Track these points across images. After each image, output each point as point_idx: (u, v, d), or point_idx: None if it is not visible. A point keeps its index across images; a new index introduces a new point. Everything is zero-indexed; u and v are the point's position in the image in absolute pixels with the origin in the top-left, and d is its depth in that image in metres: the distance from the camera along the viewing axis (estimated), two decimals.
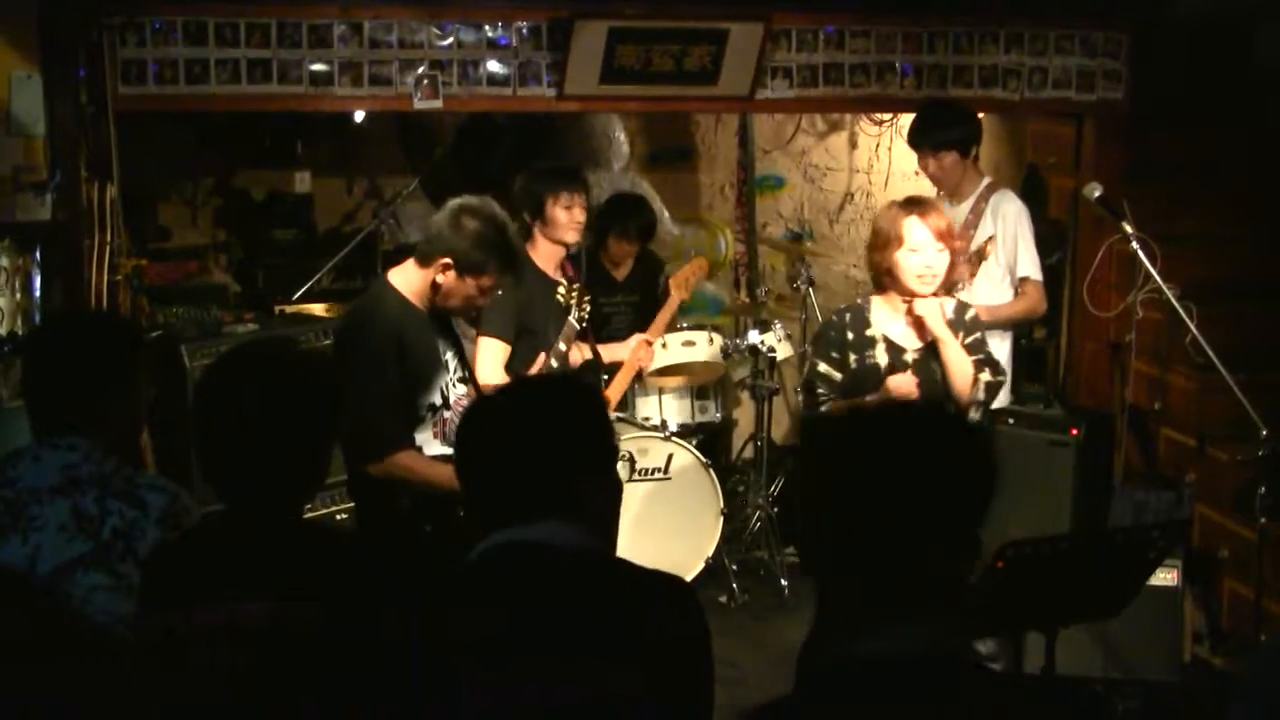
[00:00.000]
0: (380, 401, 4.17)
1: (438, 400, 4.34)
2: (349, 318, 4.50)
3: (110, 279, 5.22)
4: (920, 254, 4.47)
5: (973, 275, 5.44)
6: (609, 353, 6.01)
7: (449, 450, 4.40)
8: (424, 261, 4.28)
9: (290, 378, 2.70)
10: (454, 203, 4.31)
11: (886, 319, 4.60)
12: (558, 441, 2.46)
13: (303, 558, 2.61)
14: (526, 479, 2.43)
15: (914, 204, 4.55)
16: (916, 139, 5.86)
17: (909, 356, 4.53)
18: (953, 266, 4.63)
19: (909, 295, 4.56)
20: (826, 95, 6.33)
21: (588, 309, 5.06)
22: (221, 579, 2.55)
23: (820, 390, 4.61)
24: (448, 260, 4.21)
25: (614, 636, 2.34)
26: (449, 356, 4.41)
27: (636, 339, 6.01)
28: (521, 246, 4.45)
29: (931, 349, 4.56)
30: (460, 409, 4.42)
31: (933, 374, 4.54)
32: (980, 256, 5.37)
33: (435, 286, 4.26)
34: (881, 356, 4.55)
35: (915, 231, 4.46)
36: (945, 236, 4.49)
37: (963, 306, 4.75)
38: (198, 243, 7.52)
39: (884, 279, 4.60)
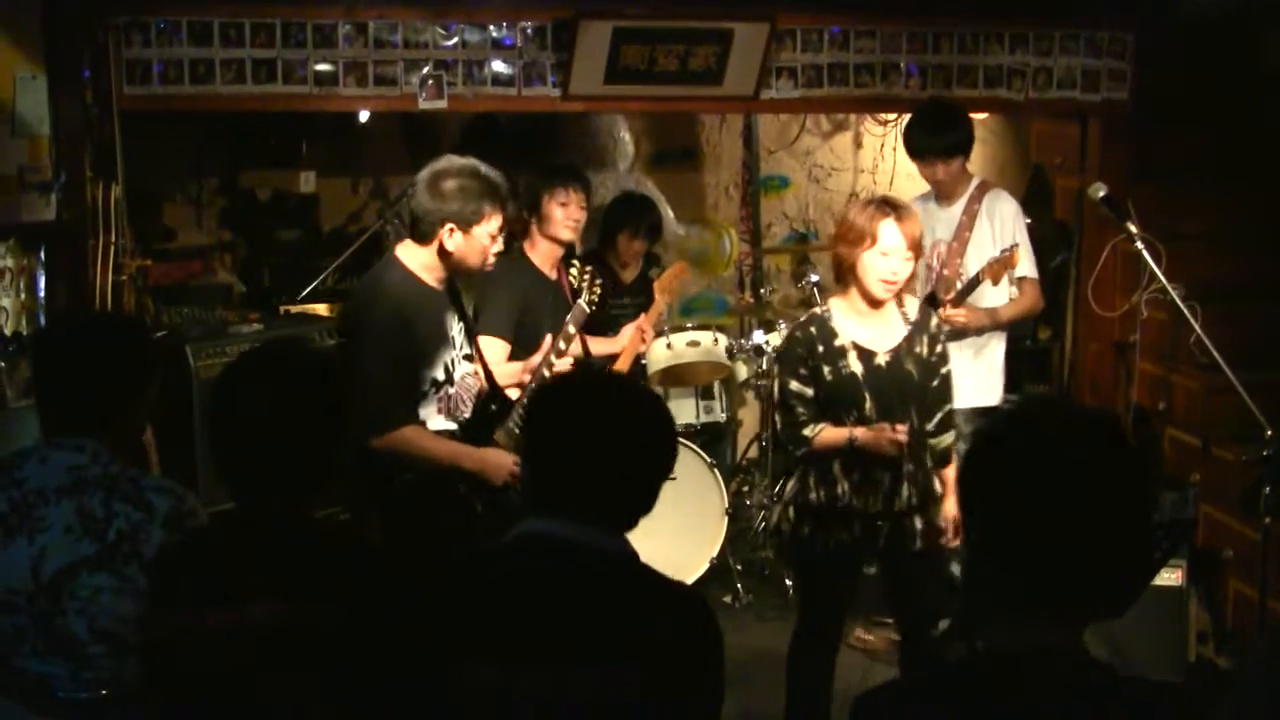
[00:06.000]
0: (384, 377, 4.25)
1: (441, 376, 4.39)
2: (355, 294, 4.59)
3: (115, 279, 5.22)
4: (890, 259, 4.38)
5: (996, 281, 5.40)
6: (601, 345, 5.99)
7: (452, 425, 4.44)
8: (425, 238, 4.38)
9: (302, 379, 2.71)
10: (422, 175, 4.44)
11: (851, 325, 4.51)
12: (635, 451, 2.53)
13: (314, 557, 2.62)
14: (587, 476, 2.47)
15: (892, 206, 4.43)
16: (923, 145, 5.71)
17: (880, 360, 4.46)
18: (913, 276, 4.58)
19: (869, 298, 4.49)
20: (831, 95, 6.32)
21: (598, 292, 5.05)
22: (233, 579, 2.56)
23: (798, 409, 4.53)
24: (450, 225, 4.31)
25: (622, 638, 2.35)
26: (455, 332, 4.46)
27: (630, 327, 5.98)
28: (500, 175, 4.49)
29: (902, 350, 4.51)
30: (466, 386, 4.47)
31: (908, 376, 4.48)
32: (1005, 265, 5.33)
33: (447, 254, 4.35)
34: (855, 364, 4.46)
35: (889, 235, 4.37)
36: (916, 245, 4.43)
37: (926, 311, 4.64)
38: (202, 243, 7.52)
39: (846, 274, 4.53)
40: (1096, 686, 2.02)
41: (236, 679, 2.51)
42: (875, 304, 4.49)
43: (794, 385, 4.53)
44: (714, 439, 6.94)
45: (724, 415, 6.88)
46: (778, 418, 4.66)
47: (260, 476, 2.65)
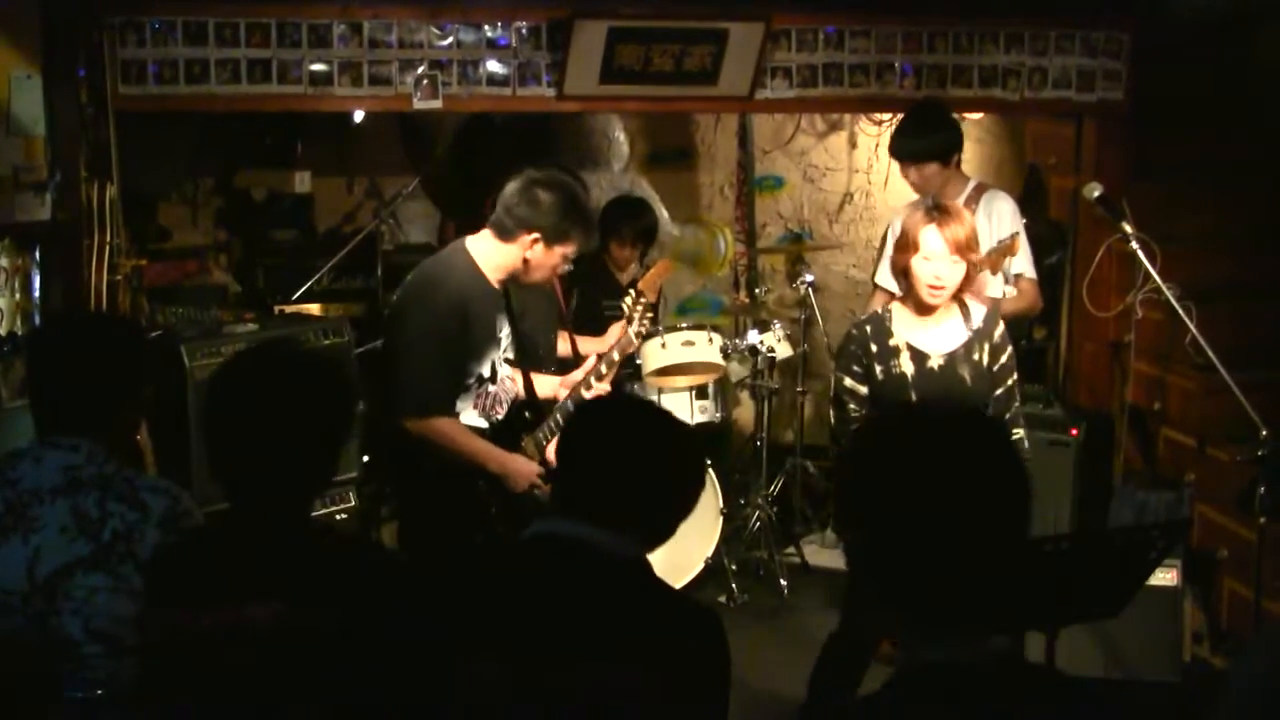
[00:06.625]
0: (435, 362, 4.30)
1: (486, 372, 4.41)
2: (420, 277, 4.57)
3: (110, 279, 5.22)
4: (932, 263, 4.42)
5: (995, 270, 5.40)
6: (588, 345, 5.97)
7: (484, 424, 4.46)
8: (507, 236, 4.39)
9: (298, 379, 2.71)
10: (524, 177, 4.43)
11: (908, 327, 4.55)
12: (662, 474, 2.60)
13: (311, 559, 2.62)
14: (623, 490, 2.54)
15: (936, 212, 4.48)
16: (896, 149, 5.78)
17: (933, 363, 4.49)
18: (969, 278, 4.57)
19: (919, 305, 4.52)
20: (826, 95, 6.32)
21: (648, 324, 5.06)
22: (230, 579, 2.55)
23: (850, 405, 4.58)
24: (535, 235, 4.32)
25: (629, 644, 2.36)
26: (504, 334, 4.47)
27: (616, 327, 5.95)
28: (592, 203, 4.54)
29: (958, 355, 4.52)
30: (506, 388, 4.48)
31: (960, 381, 4.49)
32: (1005, 253, 5.33)
33: (522, 260, 4.39)
34: (907, 365, 4.50)
35: (930, 241, 4.41)
36: (963, 248, 4.42)
37: (991, 319, 4.64)
38: (197, 243, 7.52)
39: (901, 279, 4.59)
40: (1043, 691, 1.98)
41: (234, 680, 2.51)
42: (927, 309, 4.51)
43: (847, 381, 4.61)
44: (709, 439, 6.94)
45: (719, 415, 6.87)
46: (831, 412, 4.72)
47: (254, 477, 2.65)
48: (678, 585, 5.86)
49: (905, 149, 5.71)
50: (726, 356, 6.61)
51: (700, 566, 6.30)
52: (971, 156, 7.78)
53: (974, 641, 1.94)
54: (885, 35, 6.24)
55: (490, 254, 4.41)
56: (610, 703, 2.32)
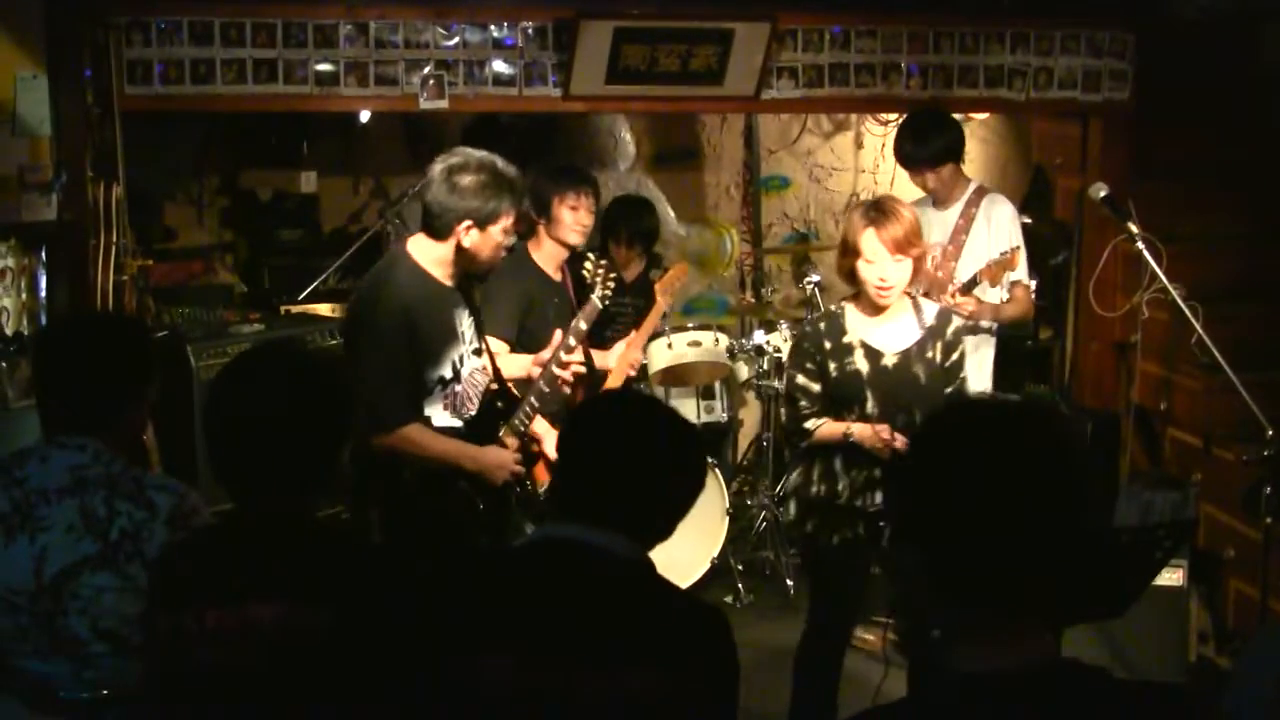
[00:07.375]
0: (387, 375, 4.23)
1: (448, 374, 4.37)
2: (362, 290, 4.53)
3: (116, 279, 5.21)
4: (875, 266, 4.43)
5: (994, 283, 5.40)
6: (597, 359, 5.96)
7: (457, 422, 4.42)
8: (441, 234, 4.33)
9: (302, 379, 2.70)
10: (437, 169, 4.36)
11: (862, 325, 4.55)
12: (663, 473, 2.60)
13: (315, 559, 2.61)
14: (622, 491, 2.54)
15: (874, 213, 4.46)
16: (913, 154, 5.76)
17: (887, 360, 4.49)
18: (918, 271, 4.57)
19: (871, 304, 4.53)
20: (832, 95, 6.32)
21: (612, 288, 5.03)
22: (234, 579, 2.55)
23: (802, 402, 4.57)
24: (469, 223, 4.26)
25: (638, 644, 2.36)
26: (465, 327, 4.43)
27: (621, 345, 5.91)
28: (516, 171, 4.46)
29: (912, 353, 4.53)
30: (473, 383, 4.44)
31: (914, 379, 4.49)
32: (1005, 266, 5.32)
33: (462, 250, 4.32)
34: (861, 363, 4.50)
35: (869, 244, 4.42)
36: (903, 246, 4.43)
37: (944, 317, 4.64)
38: (203, 243, 7.53)
39: (851, 281, 4.59)
40: (1099, 693, 1.94)
41: (239, 679, 2.51)
42: (879, 308, 4.52)
43: (800, 379, 4.58)
44: (715, 439, 6.94)
45: (725, 415, 6.88)
46: (783, 409, 4.71)
47: (257, 477, 2.64)
48: (684, 585, 5.85)
49: (922, 155, 5.70)
50: (733, 356, 6.62)
51: (706, 567, 6.31)
52: (977, 157, 7.79)
53: (1029, 643, 1.89)
54: (891, 35, 6.23)
55: (431, 252, 4.34)
56: (617, 704, 2.32)
